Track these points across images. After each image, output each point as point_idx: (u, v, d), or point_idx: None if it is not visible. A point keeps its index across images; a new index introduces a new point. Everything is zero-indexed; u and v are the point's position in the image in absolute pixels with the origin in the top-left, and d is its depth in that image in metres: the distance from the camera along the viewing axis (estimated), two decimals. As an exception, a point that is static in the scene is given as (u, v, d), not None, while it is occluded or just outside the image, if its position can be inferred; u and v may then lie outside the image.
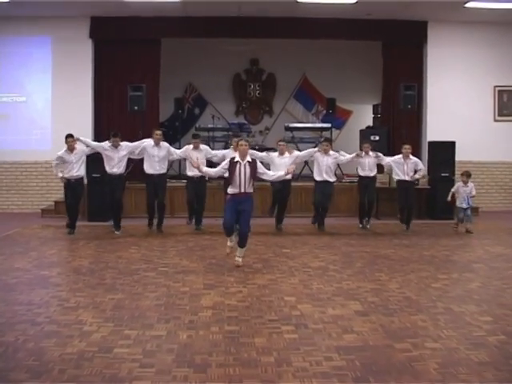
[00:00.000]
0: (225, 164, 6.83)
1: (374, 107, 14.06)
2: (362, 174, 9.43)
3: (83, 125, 11.27)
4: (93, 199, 10.19)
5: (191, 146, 9.15)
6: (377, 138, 11.87)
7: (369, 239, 8.67)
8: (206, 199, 9.38)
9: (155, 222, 9.24)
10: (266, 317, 4.67)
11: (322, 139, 9.61)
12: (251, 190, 6.63)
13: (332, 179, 9.25)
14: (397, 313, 4.80)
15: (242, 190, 6.52)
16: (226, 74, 14.50)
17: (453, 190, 9.58)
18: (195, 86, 14.56)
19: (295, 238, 8.70)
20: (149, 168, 9.02)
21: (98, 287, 5.65)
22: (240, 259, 6.62)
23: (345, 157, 9.40)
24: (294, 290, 5.56)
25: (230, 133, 12.68)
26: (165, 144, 9.18)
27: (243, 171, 6.53)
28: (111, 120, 11.88)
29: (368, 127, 13.29)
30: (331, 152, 9.28)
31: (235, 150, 8.95)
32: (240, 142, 6.67)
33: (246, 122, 14.11)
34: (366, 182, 9.45)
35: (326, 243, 8.24)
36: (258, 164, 6.77)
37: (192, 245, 8.05)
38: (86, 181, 10.10)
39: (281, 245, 8.07)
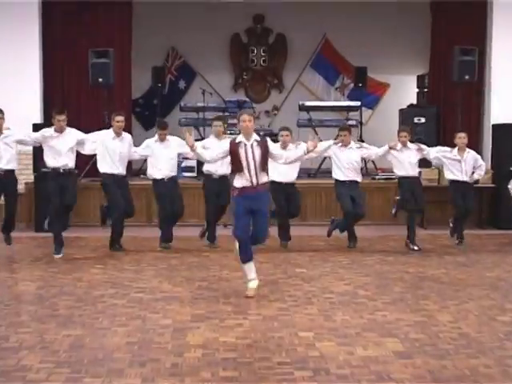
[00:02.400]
0: (224, 147, 6.59)
1: (419, 79, 14.09)
2: (399, 173, 9.16)
3: (30, 103, 11.25)
4: (42, 203, 10.14)
5: (154, 139, 8.98)
6: (422, 120, 11.89)
7: (412, 255, 8.66)
8: (182, 198, 9.17)
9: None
10: (275, 359, 4.66)
11: (339, 128, 9.48)
12: (265, 179, 6.46)
13: (359, 178, 9.13)
14: (450, 355, 4.78)
15: (254, 182, 6.35)
16: (221, 36, 14.57)
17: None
18: (180, 52, 14.62)
19: (312, 253, 8.69)
20: (106, 167, 8.74)
21: (48, 320, 5.62)
22: None
23: (373, 150, 9.27)
24: (311, 322, 5.56)
25: (226, 113, 12.69)
26: (127, 136, 8.99)
27: (251, 154, 6.34)
28: (67, 96, 11.93)
29: (411, 105, 13.31)
30: (352, 143, 9.19)
31: (218, 135, 8.88)
32: (241, 117, 6.42)
33: (247, 99, 14.12)
34: (409, 184, 9.08)
35: (354, 260, 8.24)
36: (270, 142, 6.57)
37: (176, 263, 8.05)
38: (32, 177, 10.15)
39: (294, 262, 8.08)
